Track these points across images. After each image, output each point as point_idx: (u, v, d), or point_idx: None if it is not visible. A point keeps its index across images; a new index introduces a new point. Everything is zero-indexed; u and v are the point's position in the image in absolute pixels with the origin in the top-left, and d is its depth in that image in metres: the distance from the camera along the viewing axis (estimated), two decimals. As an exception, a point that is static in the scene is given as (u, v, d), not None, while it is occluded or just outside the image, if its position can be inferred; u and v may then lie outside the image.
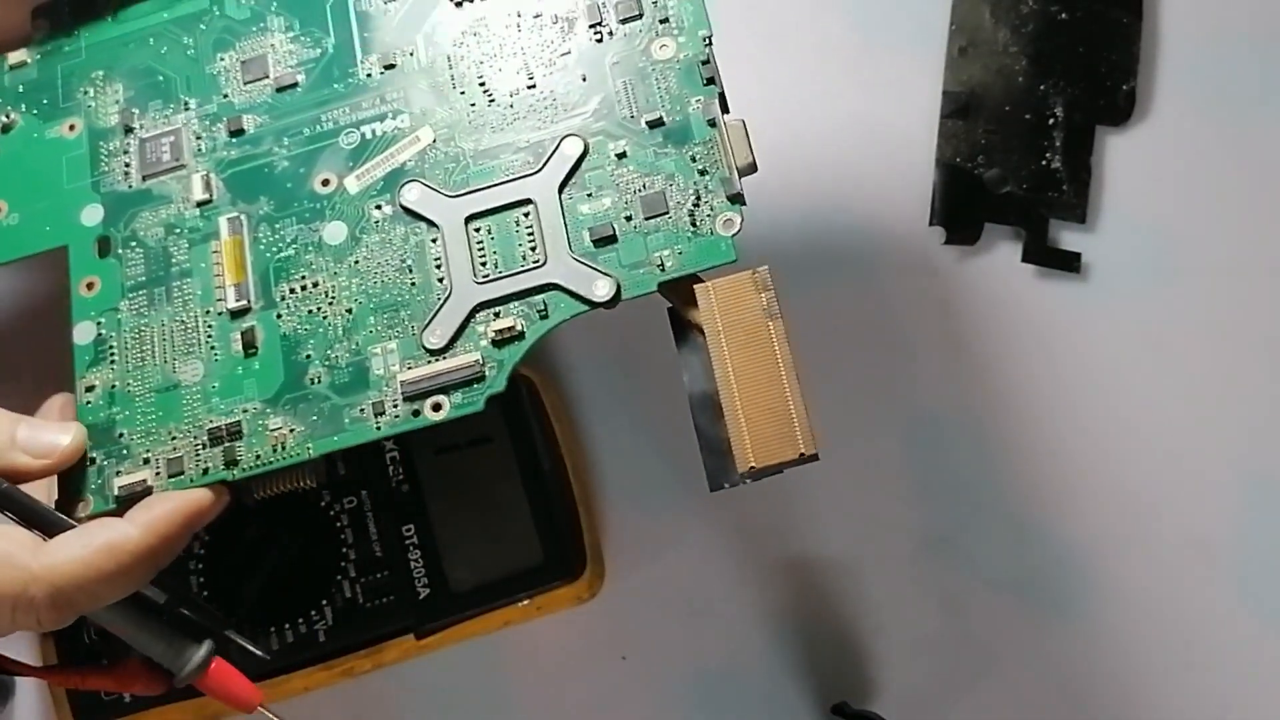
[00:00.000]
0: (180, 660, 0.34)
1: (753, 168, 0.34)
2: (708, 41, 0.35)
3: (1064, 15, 0.47)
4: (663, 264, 0.33)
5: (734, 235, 0.33)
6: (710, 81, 0.35)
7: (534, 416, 0.42)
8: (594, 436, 0.45)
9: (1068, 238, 0.45)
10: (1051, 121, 0.46)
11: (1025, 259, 0.45)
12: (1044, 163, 0.46)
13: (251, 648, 0.36)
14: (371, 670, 0.41)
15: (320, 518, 0.41)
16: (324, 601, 0.40)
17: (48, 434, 0.33)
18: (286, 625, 0.40)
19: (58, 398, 0.36)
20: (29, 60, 0.39)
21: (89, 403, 0.35)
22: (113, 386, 0.35)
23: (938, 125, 0.46)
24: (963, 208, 0.46)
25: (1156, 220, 0.45)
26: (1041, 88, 0.46)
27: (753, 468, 0.31)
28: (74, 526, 0.32)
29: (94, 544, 0.31)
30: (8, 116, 0.38)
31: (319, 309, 0.35)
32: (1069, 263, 0.45)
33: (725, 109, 0.35)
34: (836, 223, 0.46)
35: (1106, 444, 0.44)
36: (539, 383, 0.43)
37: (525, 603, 0.41)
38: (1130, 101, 0.46)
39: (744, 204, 0.33)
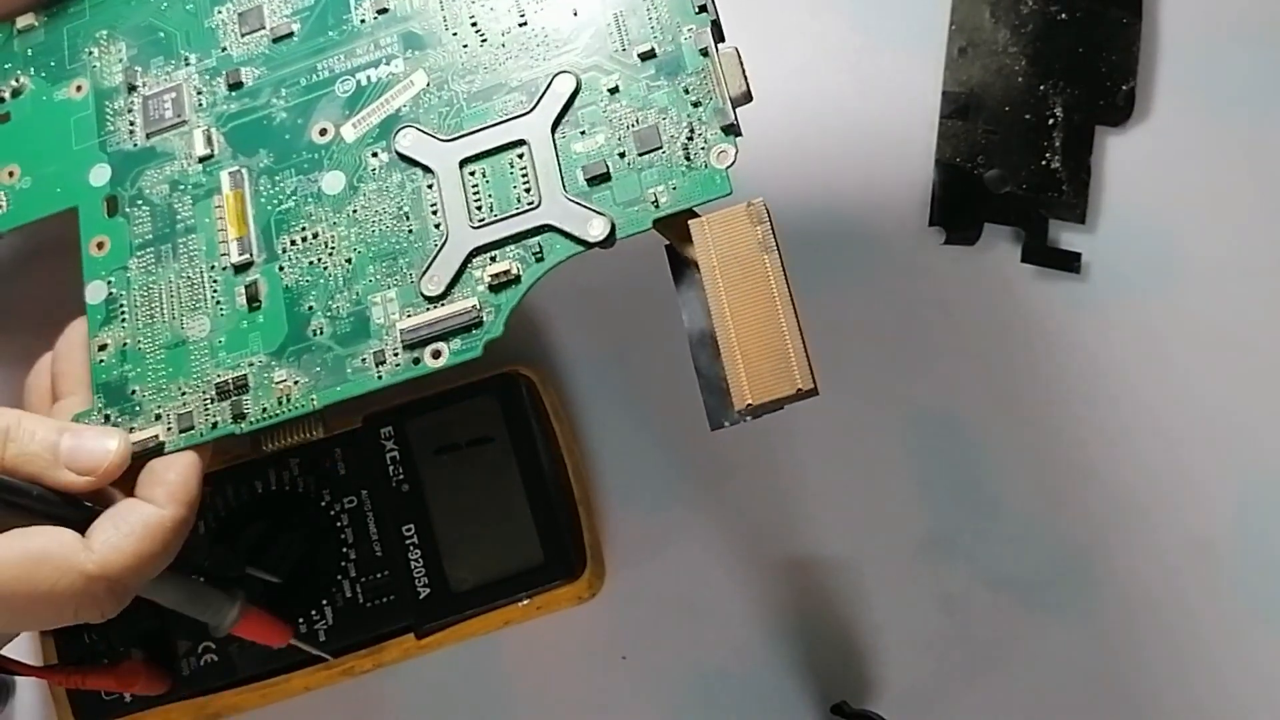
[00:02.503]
0: (220, 616, 0.36)
1: (747, 97, 0.33)
2: None
3: (1064, 15, 0.47)
4: (657, 200, 0.33)
5: (728, 167, 0.32)
6: (702, 9, 0.34)
7: (534, 416, 0.42)
8: (594, 436, 0.45)
9: (1068, 238, 0.45)
10: (1051, 121, 0.46)
11: (1025, 259, 0.45)
12: (1044, 163, 0.46)
13: (269, 577, 0.39)
14: (371, 670, 0.41)
15: (320, 518, 0.41)
16: (324, 601, 0.40)
17: (92, 441, 0.33)
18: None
19: (82, 321, 0.36)
20: (36, 23, 0.39)
21: (102, 361, 0.35)
22: (124, 344, 0.35)
23: (938, 125, 0.46)
24: (963, 208, 0.46)
25: (1156, 220, 0.45)
26: (1041, 88, 0.46)
27: (750, 404, 0.30)
28: (99, 513, 0.32)
29: (135, 530, 0.31)
30: (18, 81, 0.39)
31: (319, 260, 0.35)
32: (1069, 263, 0.45)
33: (721, 37, 0.34)
34: (836, 223, 0.46)
35: (1107, 444, 0.44)
36: (539, 383, 0.43)
37: (525, 603, 0.41)
38: (1130, 101, 0.46)
39: (739, 135, 0.33)
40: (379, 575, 0.40)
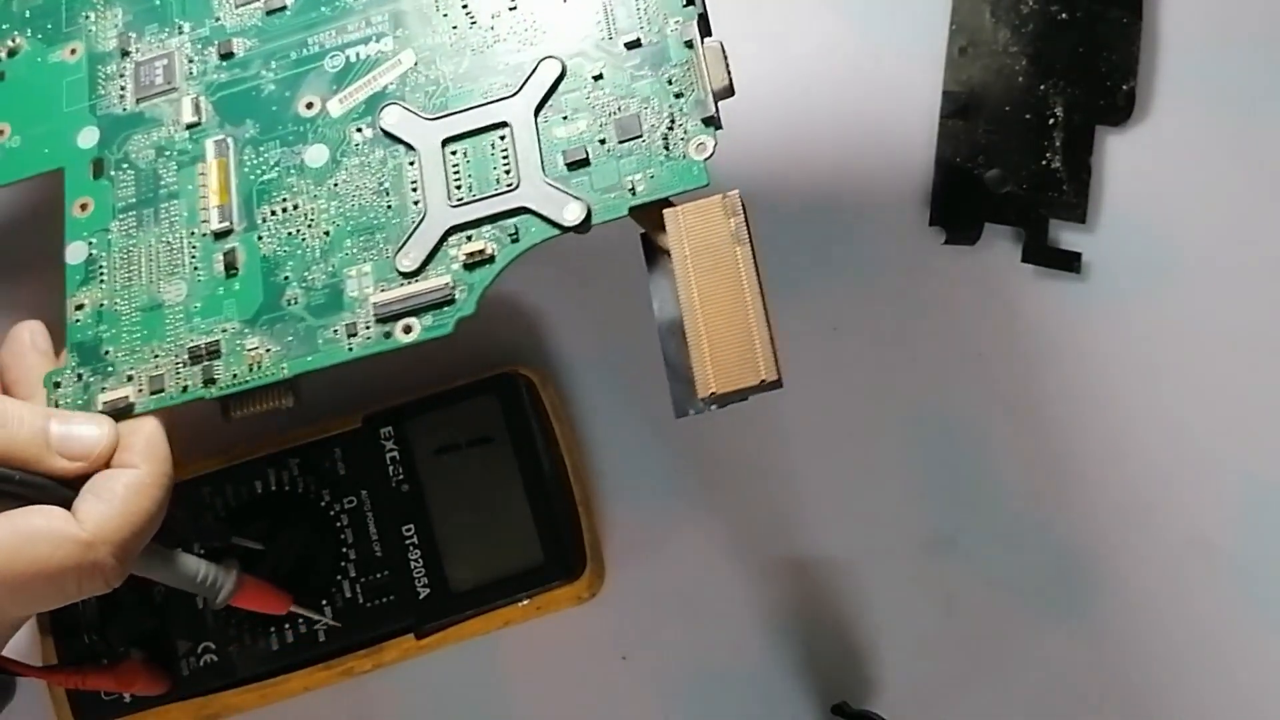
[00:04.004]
0: (217, 588, 0.36)
1: (729, 91, 0.33)
2: None
3: (1064, 15, 0.47)
4: (634, 188, 0.33)
5: (706, 159, 0.33)
6: (690, 3, 0.34)
7: (534, 416, 0.42)
8: (594, 436, 0.45)
9: (1068, 238, 0.45)
10: (1051, 121, 0.46)
11: (1025, 259, 0.45)
12: (1044, 163, 0.46)
13: (254, 545, 0.39)
14: (371, 670, 0.41)
15: (320, 518, 0.41)
16: (324, 601, 0.40)
17: (80, 428, 0.33)
18: (286, 625, 0.40)
19: (23, 327, 0.36)
20: None
21: (78, 321, 0.35)
22: (100, 305, 0.36)
23: (938, 125, 0.46)
24: (963, 208, 0.46)
25: (1156, 220, 0.45)
26: (1041, 88, 0.46)
27: (714, 393, 0.30)
28: (74, 493, 0.32)
29: (118, 493, 0.31)
30: (14, 41, 0.39)
31: (298, 231, 0.35)
32: (1069, 263, 0.45)
33: (707, 31, 0.34)
34: (837, 222, 0.46)
35: (1107, 444, 0.44)
36: (539, 382, 0.43)
37: (525, 603, 0.41)
38: (1130, 101, 0.46)
39: (719, 128, 0.33)
40: (379, 575, 0.40)
